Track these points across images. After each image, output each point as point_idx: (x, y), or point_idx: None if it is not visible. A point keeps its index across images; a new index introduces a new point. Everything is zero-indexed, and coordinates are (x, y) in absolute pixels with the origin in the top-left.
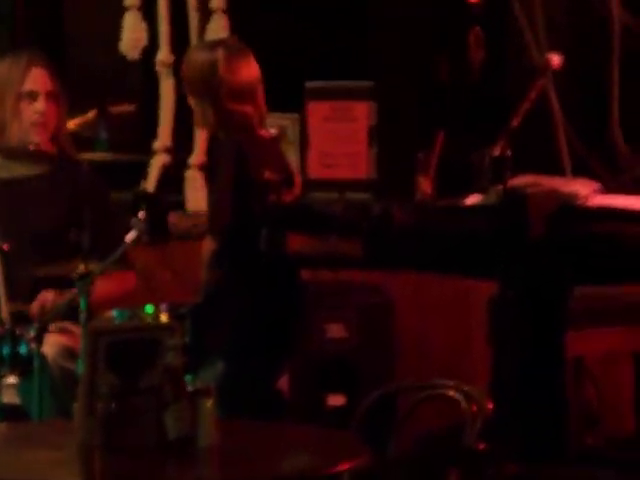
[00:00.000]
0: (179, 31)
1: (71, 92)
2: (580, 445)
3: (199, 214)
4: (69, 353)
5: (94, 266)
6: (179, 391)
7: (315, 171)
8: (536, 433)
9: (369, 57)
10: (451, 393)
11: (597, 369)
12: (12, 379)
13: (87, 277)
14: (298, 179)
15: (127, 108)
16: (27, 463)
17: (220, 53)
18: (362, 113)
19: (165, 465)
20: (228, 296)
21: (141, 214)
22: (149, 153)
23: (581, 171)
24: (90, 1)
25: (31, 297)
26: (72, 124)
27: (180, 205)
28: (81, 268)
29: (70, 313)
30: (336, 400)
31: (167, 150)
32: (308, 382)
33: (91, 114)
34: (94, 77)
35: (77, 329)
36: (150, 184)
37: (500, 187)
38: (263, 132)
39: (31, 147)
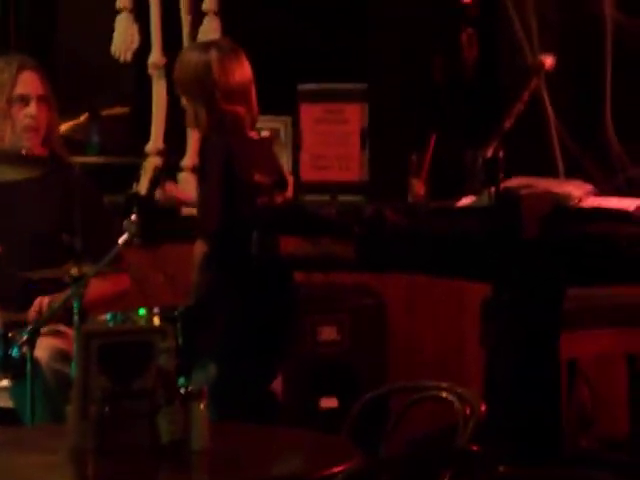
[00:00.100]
0: (171, 33)
1: (63, 95)
2: (574, 447)
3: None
4: (62, 356)
5: (87, 268)
6: (171, 394)
7: (307, 173)
8: (530, 435)
9: (362, 59)
10: (444, 395)
11: (591, 371)
12: (4, 383)
13: (81, 280)
14: (290, 181)
15: (119, 111)
16: (20, 467)
17: (213, 54)
18: (354, 115)
19: (158, 468)
20: (219, 299)
21: (133, 217)
22: (141, 156)
23: (574, 172)
24: (82, 3)
25: (24, 301)
26: (64, 127)
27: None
28: (74, 270)
29: (63, 315)
30: (329, 403)
31: (159, 153)
32: (301, 385)
33: (83, 117)
34: (86, 80)
35: (70, 331)
36: (142, 187)
37: (493, 189)
38: (254, 134)
39: (23, 151)
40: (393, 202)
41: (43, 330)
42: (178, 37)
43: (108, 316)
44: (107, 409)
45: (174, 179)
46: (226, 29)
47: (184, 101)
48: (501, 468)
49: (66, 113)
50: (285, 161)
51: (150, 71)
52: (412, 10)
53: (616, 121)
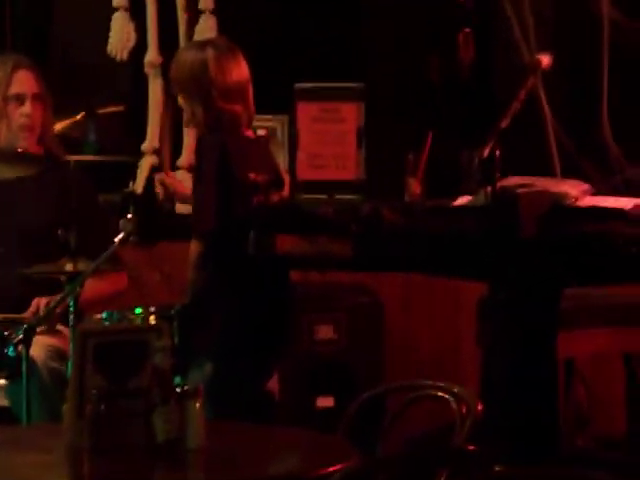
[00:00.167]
0: (167, 32)
1: (59, 94)
2: (571, 446)
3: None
4: (58, 354)
5: (83, 265)
6: (167, 393)
7: (304, 172)
8: (526, 434)
9: (359, 59)
10: (440, 394)
11: (587, 370)
12: (0, 381)
13: (77, 278)
14: (287, 180)
15: (115, 109)
16: (16, 466)
17: (210, 52)
18: (351, 114)
19: (154, 467)
20: (215, 298)
21: (129, 215)
22: (137, 154)
23: (571, 172)
24: (78, 2)
25: (20, 299)
26: (60, 125)
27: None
28: (69, 266)
29: (60, 314)
30: (325, 402)
31: (155, 151)
32: (297, 384)
33: (79, 115)
34: (82, 78)
35: (66, 330)
36: (138, 185)
37: (489, 188)
38: (251, 133)
39: (19, 150)
40: (390, 201)
41: (39, 329)
42: (174, 36)
43: (104, 315)
44: (103, 408)
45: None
46: (222, 28)
47: (181, 100)
48: (497, 467)
49: (62, 111)
50: (282, 160)
51: (146, 70)
52: (408, 10)
53: (613, 121)
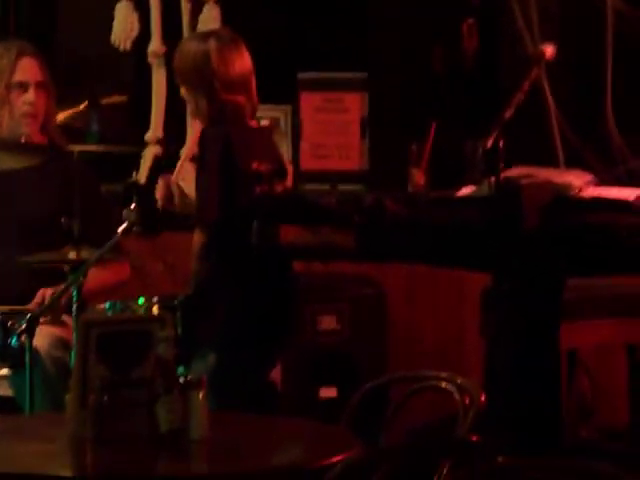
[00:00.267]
0: (171, 22)
1: (62, 83)
2: (574, 437)
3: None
4: (62, 344)
5: (86, 253)
6: (170, 383)
7: (307, 162)
8: (530, 425)
9: (362, 49)
10: (444, 385)
11: (591, 361)
12: (4, 371)
13: (80, 268)
14: (290, 170)
15: (118, 99)
16: (19, 455)
17: (212, 44)
18: (354, 104)
19: (156, 457)
20: (218, 288)
21: (132, 205)
22: (141, 144)
23: (575, 163)
24: None
25: (24, 290)
26: (63, 116)
27: None
28: (72, 254)
29: (64, 304)
30: (328, 392)
31: (159, 141)
32: (300, 374)
33: (82, 105)
34: (85, 68)
35: (70, 320)
36: (142, 176)
37: (493, 178)
38: (254, 123)
39: (22, 139)
40: (393, 191)
41: (42, 319)
42: (178, 25)
43: (107, 305)
44: (106, 398)
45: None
46: (226, 17)
47: (184, 91)
48: (501, 458)
49: (66, 101)
50: (285, 150)
51: (150, 60)
52: (413, 1)
53: (617, 112)
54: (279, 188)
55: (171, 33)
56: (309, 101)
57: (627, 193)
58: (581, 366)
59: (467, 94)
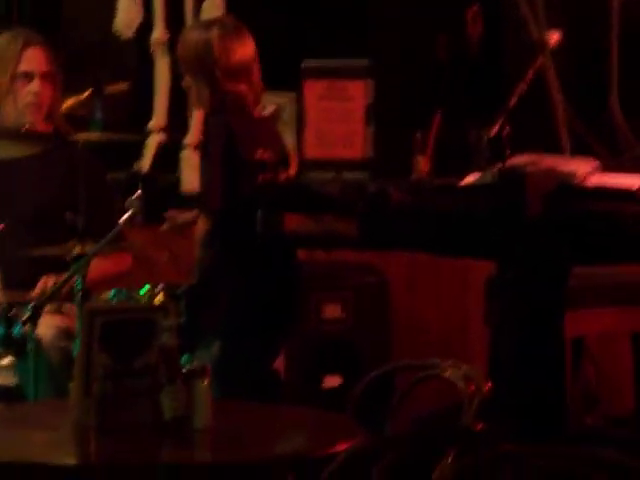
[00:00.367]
0: (174, 9)
1: (66, 72)
2: (579, 424)
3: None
4: (65, 333)
5: (90, 248)
6: (174, 372)
7: (311, 150)
8: (534, 412)
9: (367, 35)
10: (448, 373)
11: (596, 349)
12: (8, 360)
13: (82, 258)
14: (294, 158)
15: (122, 87)
16: (23, 444)
17: (215, 32)
18: (359, 92)
19: (160, 445)
20: (222, 277)
21: (136, 194)
22: (144, 133)
23: (580, 150)
24: None
25: (27, 279)
26: (66, 104)
27: (175, 185)
28: (77, 249)
29: (67, 293)
30: (332, 381)
31: (162, 130)
32: (304, 362)
33: (86, 94)
34: (89, 56)
35: (73, 309)
36: (145, 164)
37: (498, 166)
38: (257, 111)
39: (25, 127)
40: (397, 179)
41: (46, 308)
42: (181, 14)
43: (112, 293)
44: (109, 386)
45: (177, 156)
46: (229, 4)
47: (187, 80)
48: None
49: (69, 89)
50: (289, 138)
51: (153, 48)
52: None
53: (622, 99)
54: (283, 176)
55: (174, 21)
56: (313, 89)
57: (632, 181)
58: (586, 354)
59: (472, 81)
